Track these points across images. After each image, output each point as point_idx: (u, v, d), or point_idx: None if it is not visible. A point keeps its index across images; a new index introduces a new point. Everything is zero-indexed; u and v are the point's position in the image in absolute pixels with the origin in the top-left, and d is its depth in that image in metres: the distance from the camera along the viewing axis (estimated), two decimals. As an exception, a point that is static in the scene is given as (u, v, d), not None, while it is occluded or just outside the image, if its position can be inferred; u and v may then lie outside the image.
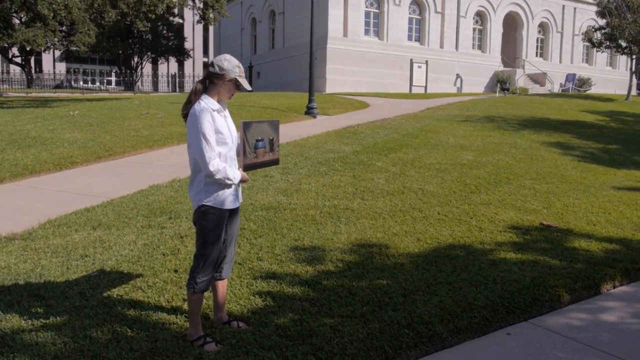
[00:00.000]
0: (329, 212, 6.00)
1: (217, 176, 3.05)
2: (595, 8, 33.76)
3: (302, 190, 6.96)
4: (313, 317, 3.54)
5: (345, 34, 32.84)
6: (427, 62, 34.21)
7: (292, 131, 12.28)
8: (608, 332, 3.61)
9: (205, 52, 60.15)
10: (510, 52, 41.05)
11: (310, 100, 16.58)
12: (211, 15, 25.23)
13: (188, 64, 51.28)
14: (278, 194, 6.78)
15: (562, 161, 9.76)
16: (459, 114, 16.87)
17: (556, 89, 38.79)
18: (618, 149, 11.80)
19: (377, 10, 34.30)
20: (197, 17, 28.63)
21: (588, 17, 42.54)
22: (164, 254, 4.65)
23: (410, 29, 35.64)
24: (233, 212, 3.33)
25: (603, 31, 29.77)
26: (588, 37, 31.84)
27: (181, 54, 41.58)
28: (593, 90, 38.23)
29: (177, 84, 45.29)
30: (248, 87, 3.23)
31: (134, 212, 5.93)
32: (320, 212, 5.98)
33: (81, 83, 46.24)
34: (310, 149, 9.99)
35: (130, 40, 37.62)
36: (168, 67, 51.46)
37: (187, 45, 45.80)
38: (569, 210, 6.50)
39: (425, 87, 33.40)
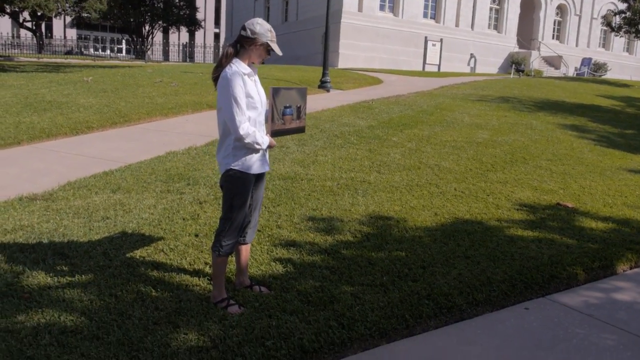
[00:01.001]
0: (345, 184, 6.01)
1: (247, 140, 3.05)
2: (615, -9, 33.08)
3: (318, 162, 6.97)
4: (334, 285, 3.58)
5: (360, 9, 32.38)
6: (441, 40, 33.75)
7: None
8: (625, 311, 3.64)
9: (217, 23, 59.65)
10: (526, 33, 40.39)
11: (324, 74, 16.46)
12: (225, -15, 24.87)
13: (199, 34, 50.93)
14: (295, 164, 6.79)
15: (578, 144, 9.69)
16: (474, 93, 16.71)
17: (571, 72, 38.26)
18: (634, 134, 11.69)
19: (393, -14, 33.75)
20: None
21: (608, 0, 41.70)
22: (184, 219, 4.69)
23: (426, 6, 35.06)
24: (259, 178, 3.35)
25: (623, 15, 29.19)
26: (607, 21, 31.17)
27: (193, 24, 41.25)
28: (608, 76, 37.68)
29: (187, 54, 45.08)
30: (279, 52, 3.22)
31: (152, 177, 5.96)
32: (337, 184, 6.00)
33: (92, 50, 46.08)
34: (325, 122, 9.96)
35: (142, 9, 37.33)
36: (179, 36, 51.11)
37: (199, 15, 45.44)
38: (585, 192, 6.48)
39: (439, 66, 33.02)
